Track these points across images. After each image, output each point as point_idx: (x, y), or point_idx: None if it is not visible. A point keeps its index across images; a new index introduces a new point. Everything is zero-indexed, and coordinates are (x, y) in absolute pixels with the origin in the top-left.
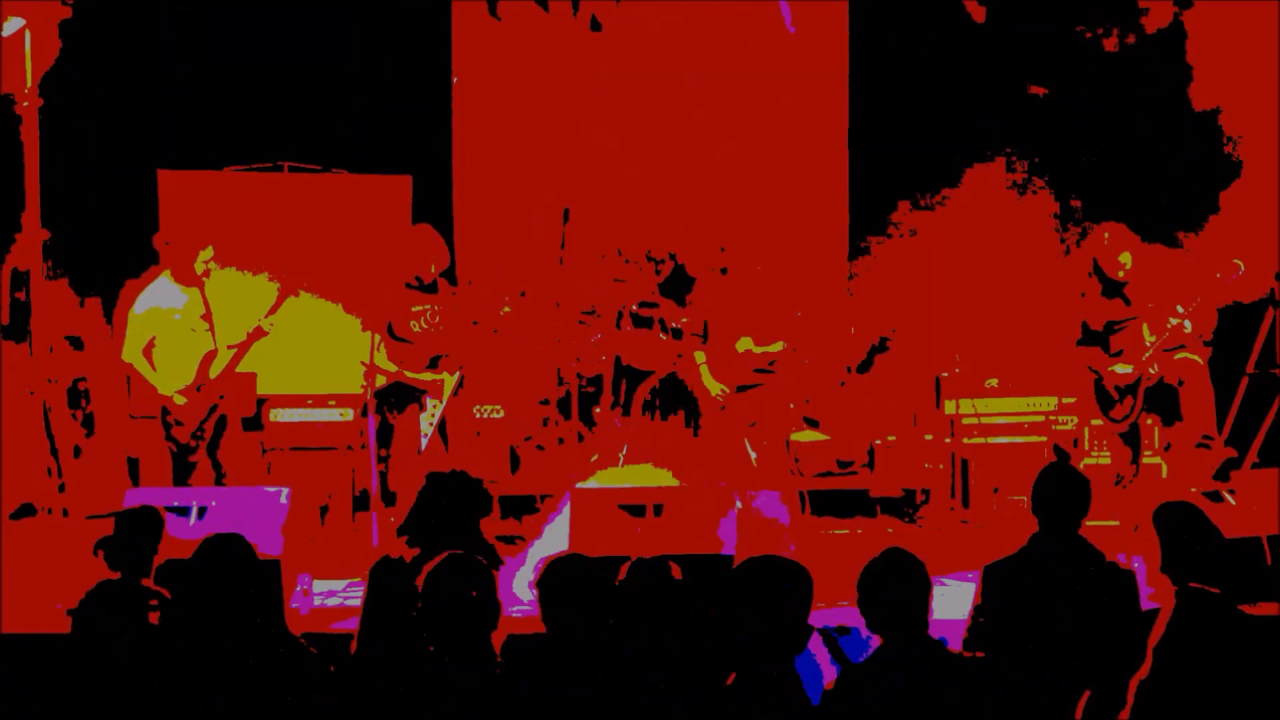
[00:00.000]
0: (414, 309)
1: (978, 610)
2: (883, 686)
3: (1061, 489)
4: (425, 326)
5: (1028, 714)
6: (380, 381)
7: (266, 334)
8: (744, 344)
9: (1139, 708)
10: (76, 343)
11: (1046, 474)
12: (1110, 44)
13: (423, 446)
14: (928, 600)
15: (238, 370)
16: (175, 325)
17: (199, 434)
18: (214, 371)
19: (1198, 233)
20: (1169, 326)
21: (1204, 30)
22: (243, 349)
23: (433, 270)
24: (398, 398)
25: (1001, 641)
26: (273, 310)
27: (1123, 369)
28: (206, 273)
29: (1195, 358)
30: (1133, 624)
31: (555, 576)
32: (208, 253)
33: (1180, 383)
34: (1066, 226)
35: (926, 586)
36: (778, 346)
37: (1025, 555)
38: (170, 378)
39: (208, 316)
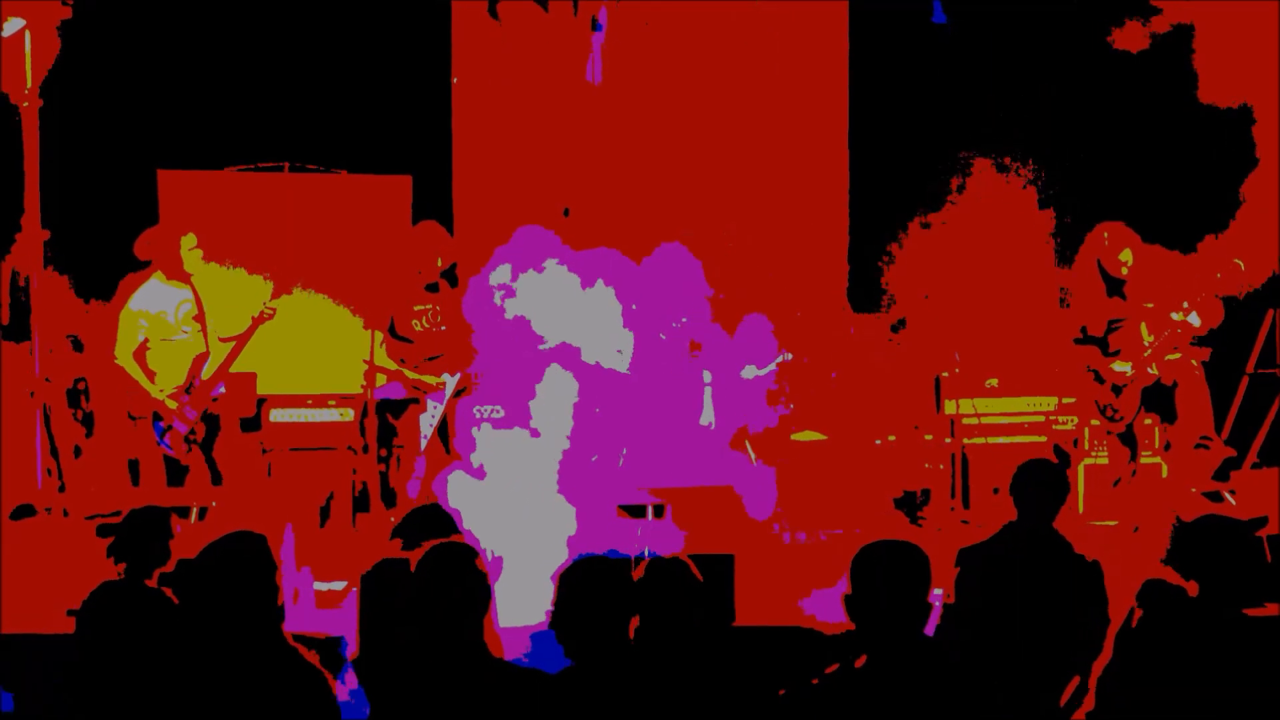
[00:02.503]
0: (415, 308)
1: (956, 589)
2: (879, 682)
3: (1039, 480)
4: (426, 326)
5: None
6: (381, 381)
7: (271, 317)
8: (749, 371)
9: (1102, 695)
10: (76, 343)
11: (1026, 466)
12: (1115, 44)
13: (423, 447)
14: (927, 597)
15: (237, 371)
16: (167, 326)
17: (192, 437)
18: (207, 373)
19: (1198, 234)
20: (1174, 322)
21: (1206, 31)
22: (245, 337)
23: (439, 264)
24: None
25: (971, 624)
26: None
27: (1120, 367)
28: (200, 259)
29: (1191, 360)
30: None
31: (572, 575)
32: (190, 240)
33: (1174, 384)
34: (1067, 227)
35: (928, 583)
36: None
37: (996, 542)
38: (162, 379)
39: (200, 318)
